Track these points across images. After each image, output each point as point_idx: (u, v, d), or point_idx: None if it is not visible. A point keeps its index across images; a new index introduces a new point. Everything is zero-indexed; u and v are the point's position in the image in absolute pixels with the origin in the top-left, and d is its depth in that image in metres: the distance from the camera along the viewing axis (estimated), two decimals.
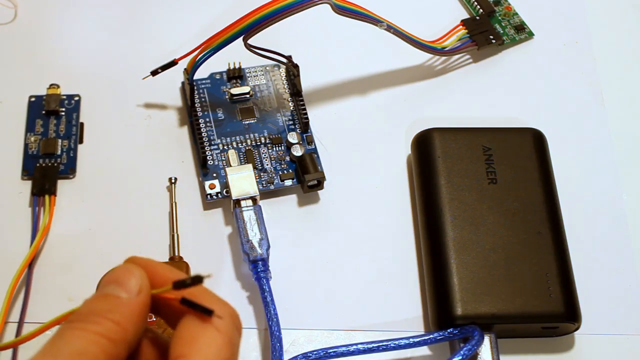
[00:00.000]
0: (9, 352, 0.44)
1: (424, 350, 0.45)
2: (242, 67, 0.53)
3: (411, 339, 0.43)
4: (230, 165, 0.49)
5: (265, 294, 0.45)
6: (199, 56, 0.48)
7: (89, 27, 0.56)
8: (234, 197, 0.47)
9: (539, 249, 0.46)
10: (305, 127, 0.51)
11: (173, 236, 0.47)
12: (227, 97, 0.52)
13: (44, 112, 0.51)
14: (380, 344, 0.43)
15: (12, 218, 0.48)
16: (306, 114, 0.51)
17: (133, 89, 0.53)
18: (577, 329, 0.45)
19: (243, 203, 0.47)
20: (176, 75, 0.51)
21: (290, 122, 0.52)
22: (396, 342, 0.43)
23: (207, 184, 0.49)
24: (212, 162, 0.50)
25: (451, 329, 0.44)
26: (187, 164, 0.51)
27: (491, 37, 0.56)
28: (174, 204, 0.48)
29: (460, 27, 0.56)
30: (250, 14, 0.46)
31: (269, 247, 0.46)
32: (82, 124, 0.51)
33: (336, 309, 0.47)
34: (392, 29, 0.51)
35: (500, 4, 0.58)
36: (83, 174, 0.50)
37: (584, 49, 0.57)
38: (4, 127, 0.51)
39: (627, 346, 0.46)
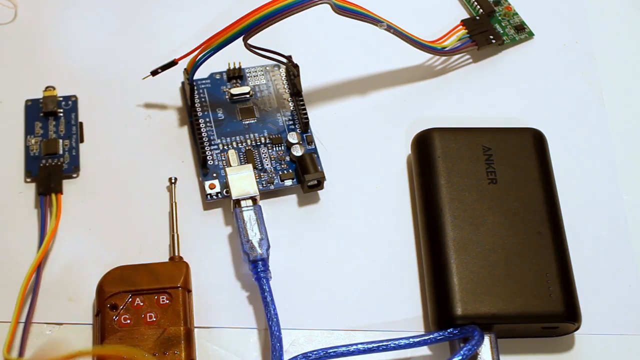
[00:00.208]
0: None
1: (424, 350, 0.45)
2: (242, 67, 0.53)
3: (411, 339, 0.43)
4: (230, 165, 0.49)
5: (265, 294, 0.45)
6: (199, 56, 0.48)
7: (89, 27, 0.56)
8: (234, 197, 0.47)
9: (539, 249, 0.46)
10: (305, 127, 0.51)
11: (173, 236, 0.47)
12: (227, 97, 0.52)
13: (41, 114, 0.51)
14: (380, 344, 0.43)
15: (19, 220, 0.48)
16: (306, 114, 0.51)
17: (133, 89, 0.53)
18: (577, 329, 0.45)
19: (243, 203, 0.47)
20: (176, 75, 0.51)
21: (290, 122, 0.52)
22: (396, 342, 0.43)
23: (207, 184, 0.49)
24: (212, 162, 0.50)
25: (451, 329, 0.44)
26: (187, 164, 0.51)
27: (491, 37, 0.56)
28: (174, 204, 0.48)
29: (460, 27, 0.56)
30: (250, 14, 0.46)
31: (269, 247, 0.46)
32: (81, 123, 0.51)
33: (336, 309, 0.47)
34: (392, 29, 0.51)
35: (500, 4, 0.58)
36: (83, 173, 0.50)
37: (584, 49, 0.57)
38: (4, 129, 0.51)
39: (627, 346, 0.46)
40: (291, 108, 0.52)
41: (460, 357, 0.42)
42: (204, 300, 0.46)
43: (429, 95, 0.54)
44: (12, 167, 0.50)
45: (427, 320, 0.46)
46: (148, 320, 0.43)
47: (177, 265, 0.45)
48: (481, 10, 0.57)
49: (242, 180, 0.48)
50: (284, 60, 0.51)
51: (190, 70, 0.49)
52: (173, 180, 0.49)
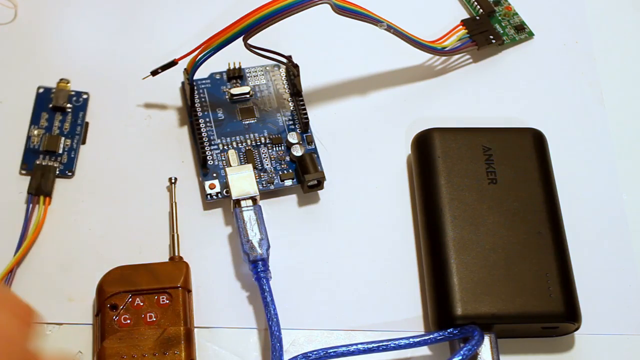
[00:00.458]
0: None
1: (424, 350, 0.45)
2: (242, 67, 0.53)
3: (411, 339, 0.43)
4: (230, 165, 0.49)
5: (265, 294, 0.45)
6: (199, 56, 0.48)
7: (88, 27, 0.56)
8: (234, 197, 0.47)
9: (539, 249, 0.46)
10: (305, 127, 0.51)
11: (173, 236, 0.47)
12: (227, 97, 0.52)
13: (50, 106, 0.51)
14: (380, 344, 0.43)
15: (7, 212, 0.48)
16: (306, 114, 0.51)
17: (133, 89, 0.53)
18: (577, 329, 0.45)
19: (243, 203, 0.47)
20: (176, 75, 0.51)
21: (290, 122, 0.52)
22: (396, 342, 0.43)
23: (207, 184, 0.49)
24: (212, 162, 0.50)
25: (451, 329, 0.44)
26: (187, 164, 0.51)
27: (491, 37, 0.56)
28: (174, 204, 0.48)
29: (460, 27, 0.56)
30: (250, 14, 0.46)
31: (269, 247, 0.46)
32: (87, 123, 0.51)
33: (336, 309, 0.47)
34: (392, 29, 0.51)
35: (500, 4, 0.58)
36: (83, 173, 0.50)
37: (584, 49, 0.57)
38: (3, 129, 0.51)
39: (627, 346, 0.46)
40: (291, 108, 0.52)
41: (460, 357, 0.42)
42: (204, 300, 0.46)
43: (429, 95, 0.54)
44: (10, 158, 0.50)
45: (427, 320, 0.46)
46: (148, 320, 0.43)
47: (177, 265, 0.45)
48: (481, 10, 0.57)
49: (242, 180, 0.48)
50: (284, 60, 0.51)
51: (190, 70, 0.49)
52: (173, 180, 0.49)
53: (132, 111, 0.52)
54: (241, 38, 0.47)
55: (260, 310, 0.46)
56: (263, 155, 0.50)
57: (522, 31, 0.57)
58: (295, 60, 0.52)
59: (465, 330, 0.44)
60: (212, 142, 0.51)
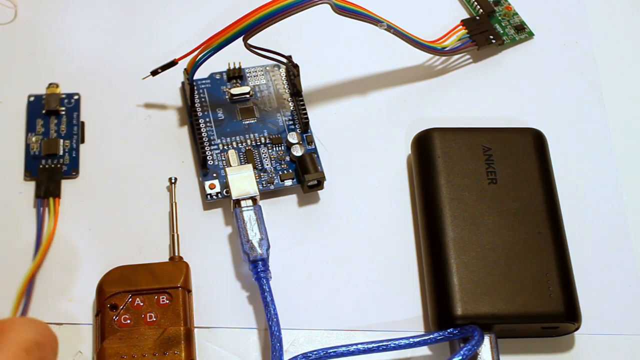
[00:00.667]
0: None
1: (424, 350, 0.45)
2: (242, 67, 0.53)
3: (411, 339, 0.43)
4: (230, 165, 0.49)
5: (265, 294, 0.45)
6: (199, 56, 0.48)
7: (89, 27, 0.56)
8: (234, 197, 0.47)
9: (539, 249, 0.46)
10: (305, 127, 0.51)
11: (173, 236, 0.47)
12: (227, 97, 0.52)
13: (44, 111, 0.51)
14: (380, 344, 0.43)
15: (17, 219, 0.48)
16: (306, 114, 0.51)
17: (133, 89, 0.53)
18: (577, 329, 0.45)
19: (243, 203, 0.47)
20: (176, 75, 0.51)
21: (290, 122, 0.52)
22: (396, 342, 0.43)
23: (207, 184, 0.49)
24: (212, 162, 0.50)
25: (451, 329, 0.44)
26: (187, 164, 0.51)
27: (491, 37, 0.56)
28: (174, 204, 0.48)
29: (460, 27, 0.56)
30: (250, 14, 0.46)
31: (269, 247, 0.46)
32: (83, 123, 0.51)
33: (336, 309, 0.47)
34: (392, 29, 0.51)
35: (500, 4, 0.58)
36: (85, 173, 0.50)
37: (584, 49, 0.57)
38: (5, 127, 0.51)
39: (627, 346, 0.46)
40: (291, 108, 0.52)
41: (460, 357, 0.42)
42: (204, 300, 0.46)
43: (429, 95, 0.54)
44: (12, 165, 0.50)
45: (427, 320, 0.46)
46: (148, 320, 0.43)
47: (177, 265, 0.45)
48: (481, 10, 0.57)
49: (242, 180, 0.48)
50: (284, 60, 0.51)
51: (190, 70, 0.49)
52: (173, 180, 0.49)
53: (132, 111, 0.52)
54: (241, 38, 0.47)
55: (260, 310, 0.46)
56: (263, 155, 0.50)
57: (522, 31, 0.57)
58: (295, 60, 0.52)
59: (465, 330, 0.44)
60: (212, 142, 0.51)
